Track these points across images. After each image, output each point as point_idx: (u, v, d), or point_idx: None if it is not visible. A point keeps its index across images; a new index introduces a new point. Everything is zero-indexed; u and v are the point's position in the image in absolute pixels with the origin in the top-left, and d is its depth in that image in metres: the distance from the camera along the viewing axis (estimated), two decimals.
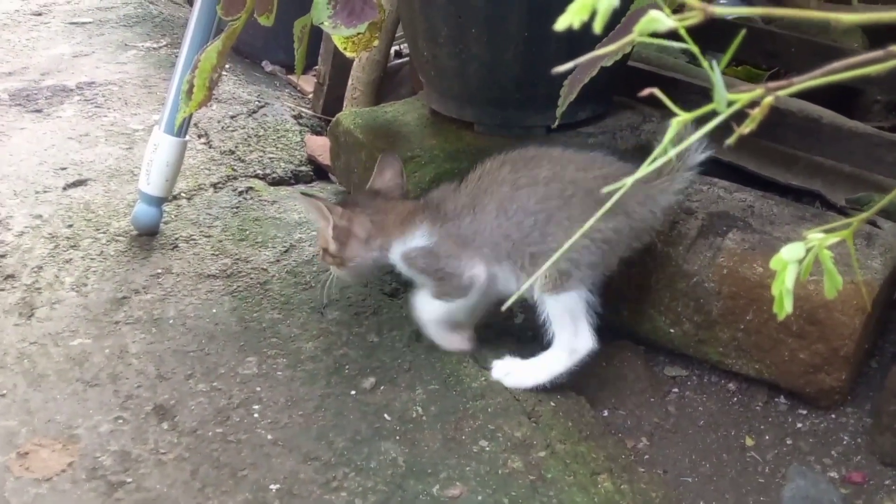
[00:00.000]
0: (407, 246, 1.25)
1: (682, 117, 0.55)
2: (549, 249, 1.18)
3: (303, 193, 1.55)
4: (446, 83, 1.60)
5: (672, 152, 0.51)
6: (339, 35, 1.10)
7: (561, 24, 0.42)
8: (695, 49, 0.51)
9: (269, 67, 2.55)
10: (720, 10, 0.44)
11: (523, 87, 1.52)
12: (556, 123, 1.28)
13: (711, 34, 0.80)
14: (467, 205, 1.24)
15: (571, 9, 0.42)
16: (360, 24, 1.07)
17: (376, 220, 1.27)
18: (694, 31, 0.50)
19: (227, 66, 1.35)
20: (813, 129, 1.60)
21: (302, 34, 1.34)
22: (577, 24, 0.43)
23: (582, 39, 0.69)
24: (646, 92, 0.57)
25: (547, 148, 1.26)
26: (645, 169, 0.51)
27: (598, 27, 0.42)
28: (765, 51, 1.68)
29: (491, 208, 1.22)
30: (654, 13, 0.45)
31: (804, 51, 1.61)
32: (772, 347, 1.28)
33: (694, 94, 1.58)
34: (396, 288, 1.46)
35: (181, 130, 1.53)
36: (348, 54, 1.22)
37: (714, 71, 0.51)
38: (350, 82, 2.03)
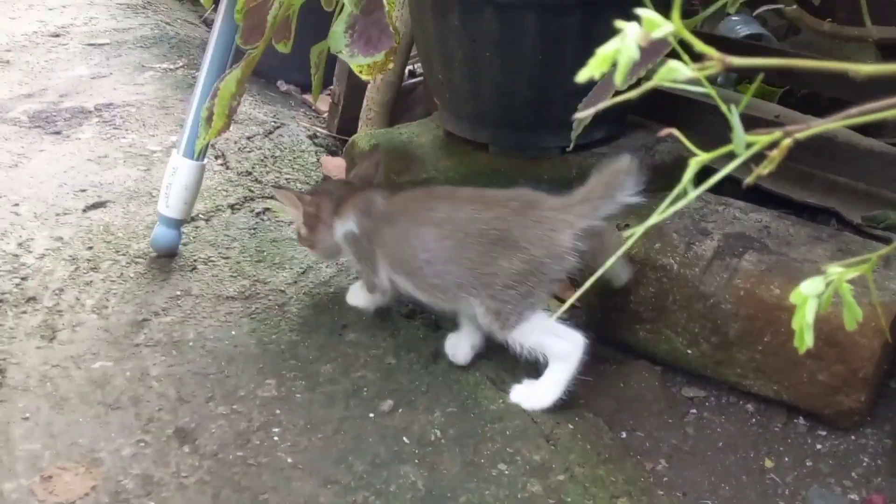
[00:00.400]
0: (345, 228, 1.36)
1: (700, 157, 0.55)
2: (448, 285, 1.25)
3: (275, 187, 1.78)
4: (461, 105, 1.62)
5: (693, 194, 0.52)
6: (356, 63, 1.11)
7: (582, 76, 0.43)
8: (713, 93, 0.52)
9: (284, 87, 2.58)
10: (738, 62, 0.45)
11: (537, 109, 1.53)
12: (572, 146, 1.29)
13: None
14: (383, 218, 1.33)
15: (592, 62, 0.43)
16: (378, 54, 1.08)
17: (336, 205, 1.37)
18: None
19: None
20: (828, 147, 1.60)
21: (319, 60, 1.36)
22: (597, 76, 0.44)
23: None
24: (665, 132, 0.58)
25: (456, 189, 1.33)
26: (660, 213, 0.52)
27: (619, 80, 0.42)
28: (778, 69, 1.68)
29: (391, 235, 1.30)
30: (673, 63, 0.46)
31: (817, 69, 1.61)
32: (790, 369, 1.28)
33: (710, 115, 1.58)
34: (413, 310, 1.46)
35: (200, 155, 1.55)
36: (364, 77, 1.23)
37: (732, 114, 0.52)
38: (365, 103, 2.05)
